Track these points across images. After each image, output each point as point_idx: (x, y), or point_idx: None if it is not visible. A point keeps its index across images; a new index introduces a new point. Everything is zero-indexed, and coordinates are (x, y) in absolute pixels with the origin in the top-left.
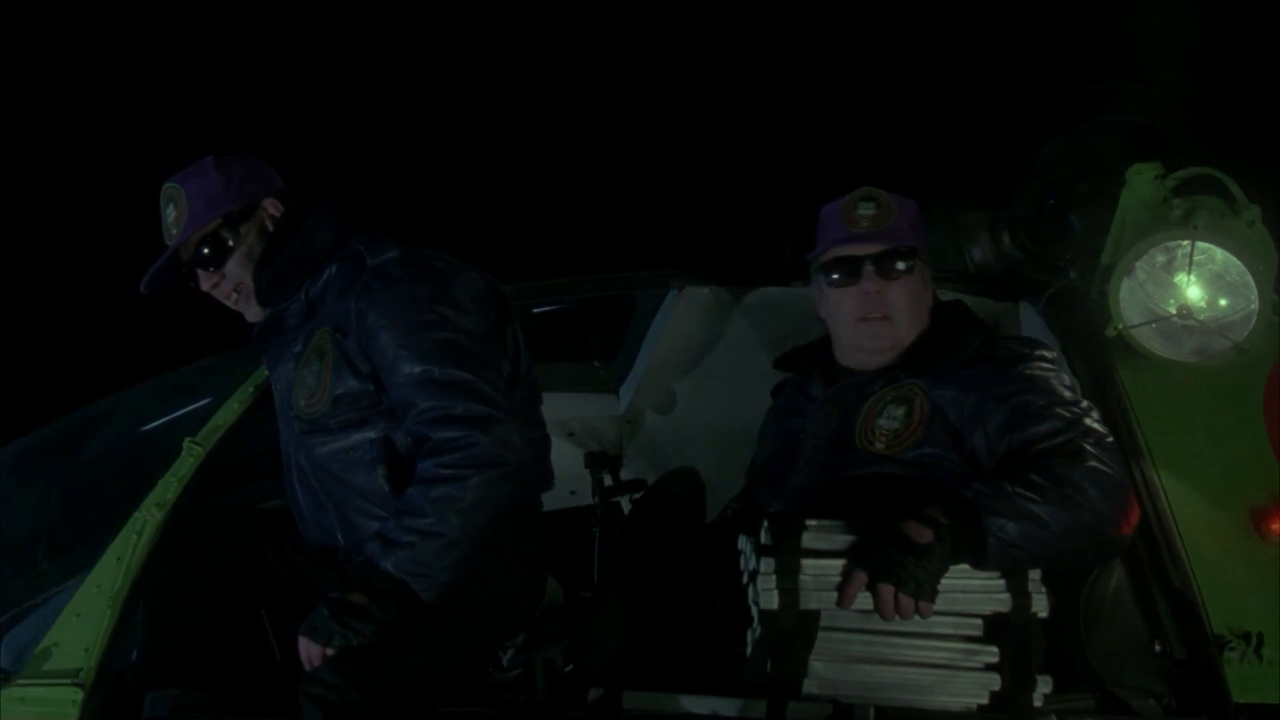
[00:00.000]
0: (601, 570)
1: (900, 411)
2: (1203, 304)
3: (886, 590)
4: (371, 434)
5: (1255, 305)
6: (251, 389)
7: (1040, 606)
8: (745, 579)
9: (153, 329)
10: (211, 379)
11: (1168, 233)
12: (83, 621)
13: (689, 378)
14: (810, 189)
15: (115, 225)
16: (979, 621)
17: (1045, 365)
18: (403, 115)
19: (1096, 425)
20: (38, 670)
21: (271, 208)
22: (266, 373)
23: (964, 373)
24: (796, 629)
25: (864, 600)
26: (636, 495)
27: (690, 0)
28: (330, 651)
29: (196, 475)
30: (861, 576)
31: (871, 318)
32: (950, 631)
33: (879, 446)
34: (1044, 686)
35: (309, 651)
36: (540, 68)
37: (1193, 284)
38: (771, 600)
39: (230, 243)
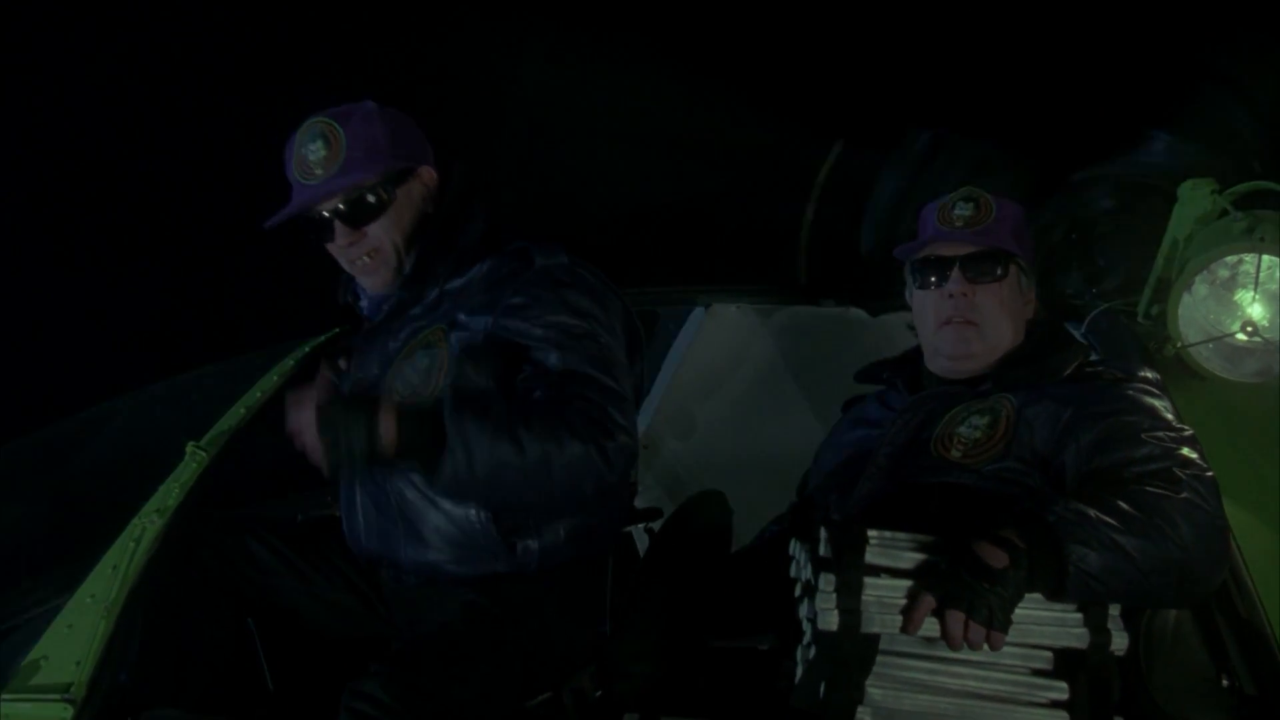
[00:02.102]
0: (628, 596)
1: (984, 421)
2: (1265, 322)
3: (956, 618)
4: None
5: None
6: (259, 394)
7: (1119, 644)
8: (798, 590)
9: (151, 334)
10: (217, 385)
11: (1231, 245)
12: (74, 633)
13: (711, 400)
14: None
15: (117, 222)
16: (1049, 655)
17: (1149, 388)
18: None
19: (1197, 457)
20: (25, 684)
21: (427, 177)
22: (275, 378)
23: (1061, 390)
24: (855, 652)
25: (929, 625)
26: (650, 525)
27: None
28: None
29: (200, 482)
30: (929, 601)
31: (956, 321)
32: (1018, 663)
33: (955, 454)
34: None
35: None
36: (564, 57)
37: (1256, 301)
38: (831, 621)
39: (383, 203)
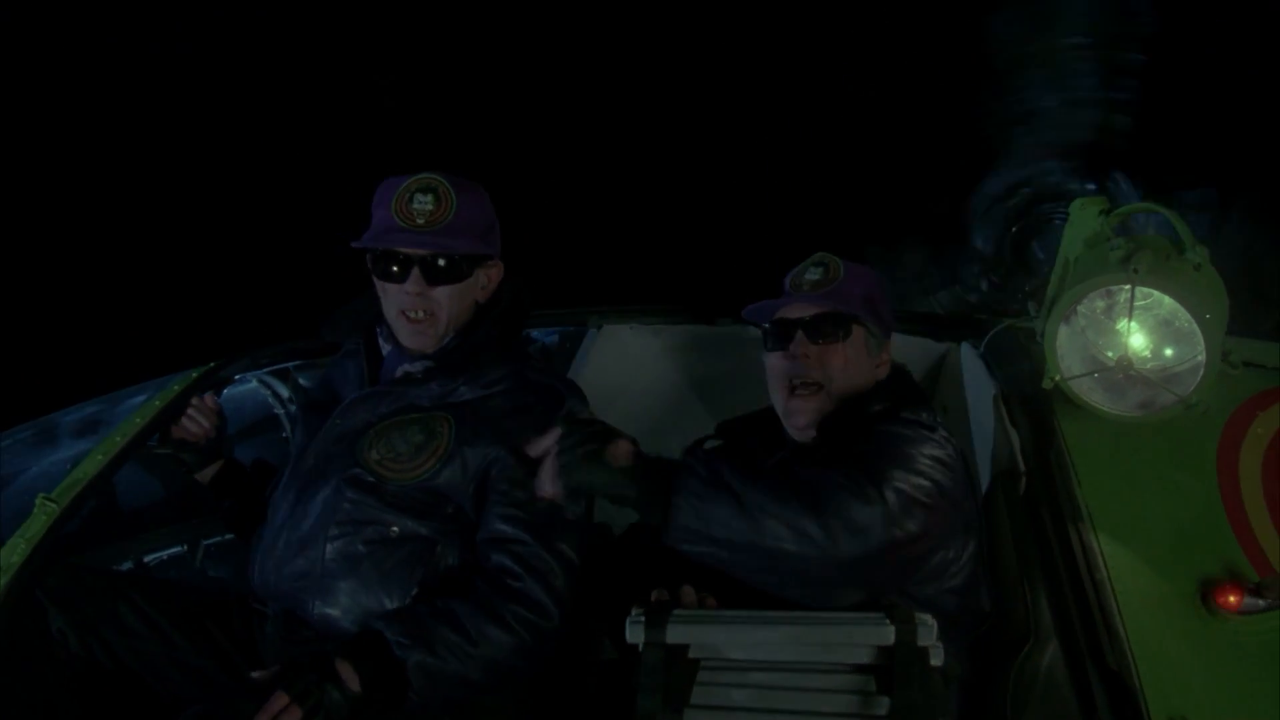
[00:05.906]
0: None
1: None
2: (1146, 354)
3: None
4: (424, 530)
5: (1203, 356)
6: (119, 438)
7: (926, 636)
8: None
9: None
10: (84, 426)
11: (1107, 276)
12: None
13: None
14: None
15: None
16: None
17: (921, 429)
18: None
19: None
20: None
21: (495, 272)
22: (140, 420)
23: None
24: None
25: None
26: None
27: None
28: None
29: (49, 535)
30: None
31: (799, 386)
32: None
33: None
34: None
35: (277, 706)
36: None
37: (1135, 331)
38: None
39: (461, 274)
